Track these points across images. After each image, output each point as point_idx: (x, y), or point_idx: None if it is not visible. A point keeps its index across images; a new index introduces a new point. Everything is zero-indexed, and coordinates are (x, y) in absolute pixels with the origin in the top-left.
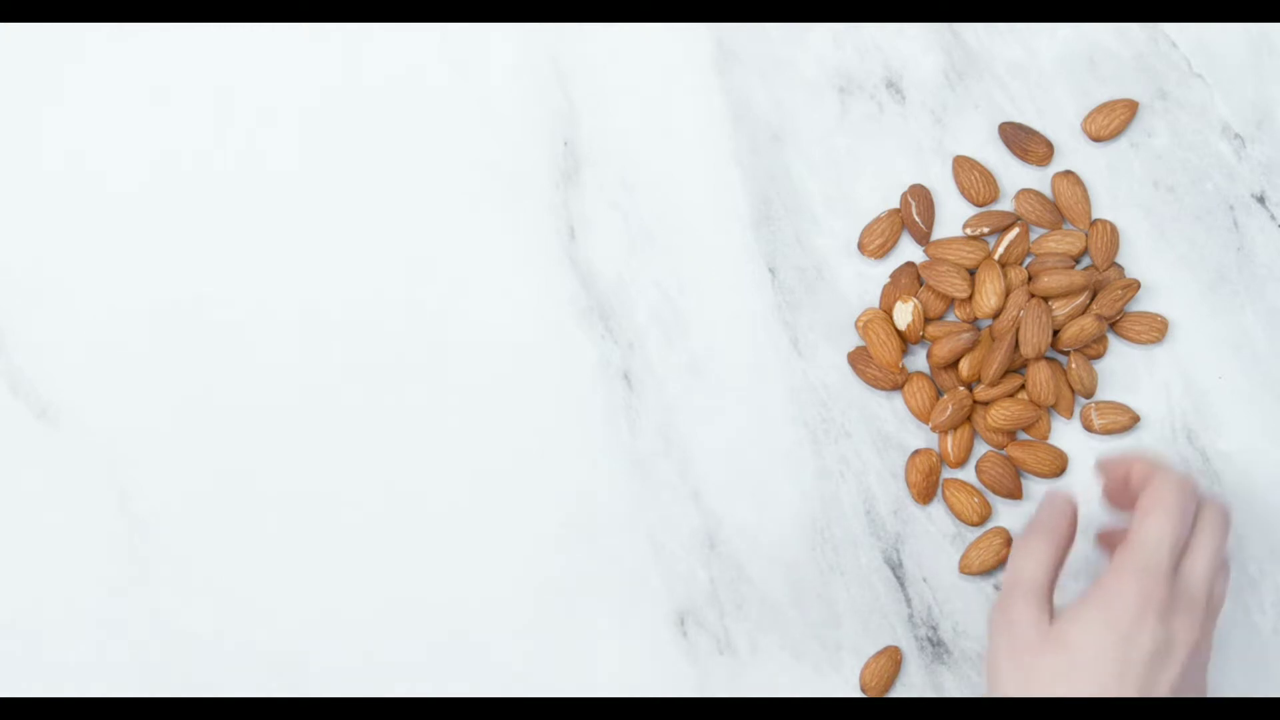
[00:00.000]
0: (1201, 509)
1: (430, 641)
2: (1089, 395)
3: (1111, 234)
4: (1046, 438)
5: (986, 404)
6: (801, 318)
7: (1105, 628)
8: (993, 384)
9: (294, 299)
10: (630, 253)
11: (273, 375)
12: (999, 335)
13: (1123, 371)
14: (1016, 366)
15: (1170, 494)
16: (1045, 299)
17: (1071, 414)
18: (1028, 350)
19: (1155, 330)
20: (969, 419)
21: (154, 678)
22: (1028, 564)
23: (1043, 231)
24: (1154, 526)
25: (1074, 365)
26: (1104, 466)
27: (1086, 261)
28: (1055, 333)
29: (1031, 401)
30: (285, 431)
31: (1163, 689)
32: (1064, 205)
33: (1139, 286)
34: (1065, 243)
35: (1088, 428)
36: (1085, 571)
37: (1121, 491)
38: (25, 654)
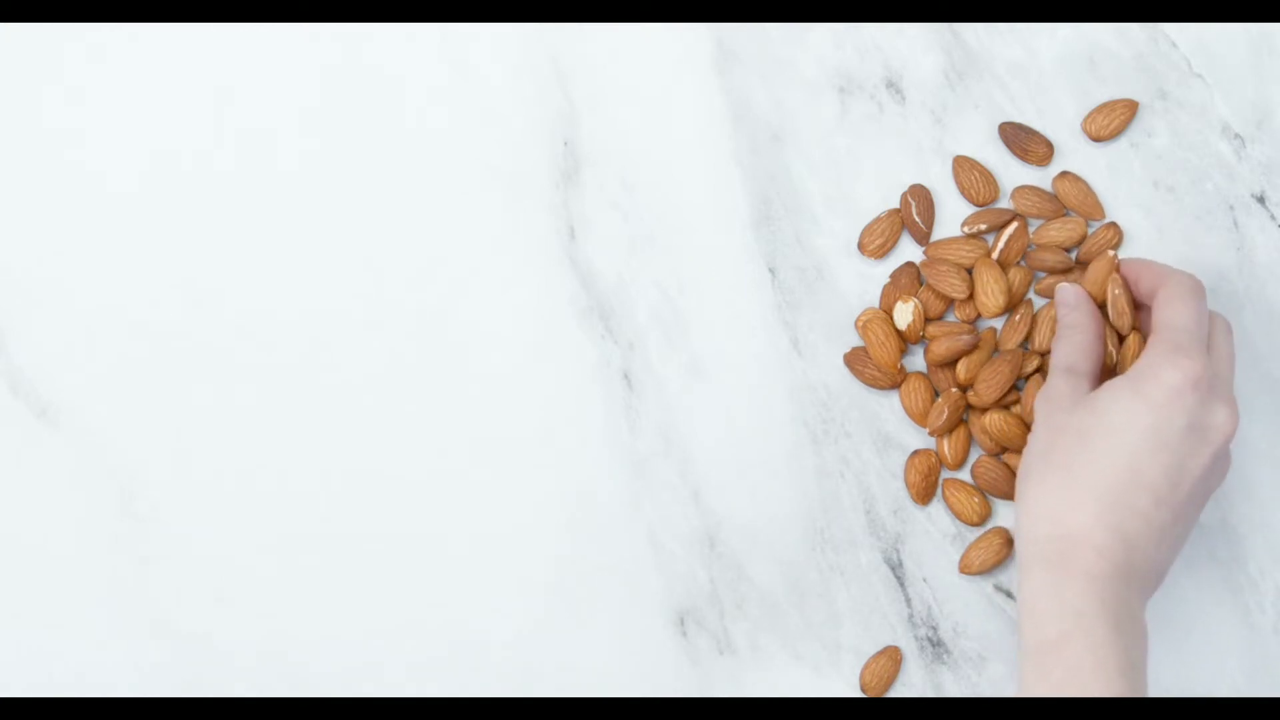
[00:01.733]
0: (1211, 316)
1: (430, 642)
2: None
3: (1114, 234)
4: None
5: (982, 410)
6: (801, 318)
7: (1137, 396)
8: (997, 400)
9: (294, 299)
10: (630, 253)
11: (273, 375)
12: (1005, 349)
13: None
14: (1015, 382)
15: (1186, 285)
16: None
17: None
18: (1039, 346)
19: None
20: (964, 420)
21: (154, 678)
22: (1062, 349)
23: (1042, 223)
24: (1179, 311)
25: None
26: (1145, 283)
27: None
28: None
29: (1023, 419)
30: (285, 431)
31: (1192, 474)
32: (1074, 205)
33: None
34: (1065, 230)
35: None
36: None
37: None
38: (25, 654)
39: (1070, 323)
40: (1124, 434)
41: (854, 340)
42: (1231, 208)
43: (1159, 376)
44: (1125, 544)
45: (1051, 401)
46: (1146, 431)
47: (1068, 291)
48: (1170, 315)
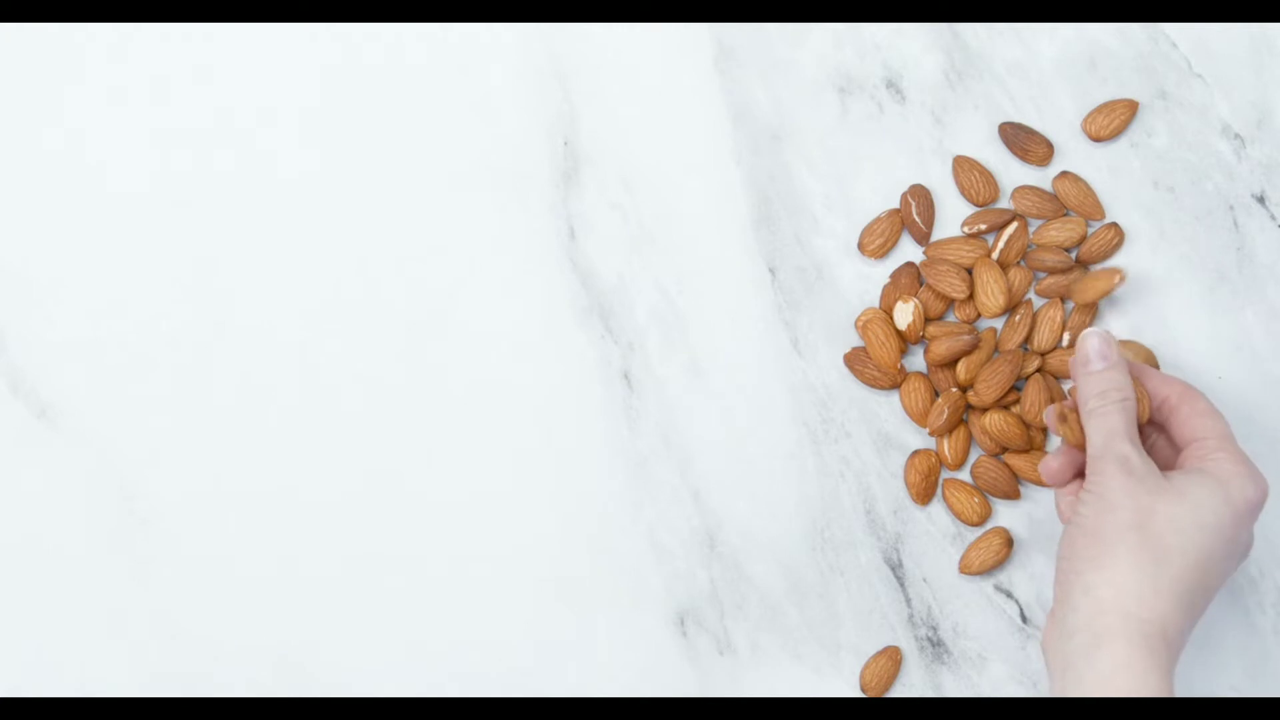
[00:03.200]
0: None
1: (430, 642)
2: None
3: (1114, 235)
4: (1042, 449)
5: (982, 410)
6: (801, 318)
7: (1226, 503)
8: (997, 400)
9: (294, 299)
10: (630, 253)
11: (273, 374)
12: (1005, 349)
13: None
14: (1015, 382)
15: (1207, 399)
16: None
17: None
18: (1039, 346)
19: None
20: (964, 420)
21: (154, 678)
22: (1118, 420)
23: (1042, 223)
24: (1223, 422)
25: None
26: (1150, 385)
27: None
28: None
29: (1023, 419)
30: (285, 431)
31: (1230, 576)
32: (1073, 205)
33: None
34: (1065, 230)
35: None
36: None
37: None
38: (25, 654)
39: (1118, 387)
40: (1210, 535)
41: (854, 340)
42: (1231, 208)
43: (1245, 490)
44: (1183, 636)
45: (1134, 475)
46: (1228, 541)
47: (1099, 345)
48: (1223, 425)
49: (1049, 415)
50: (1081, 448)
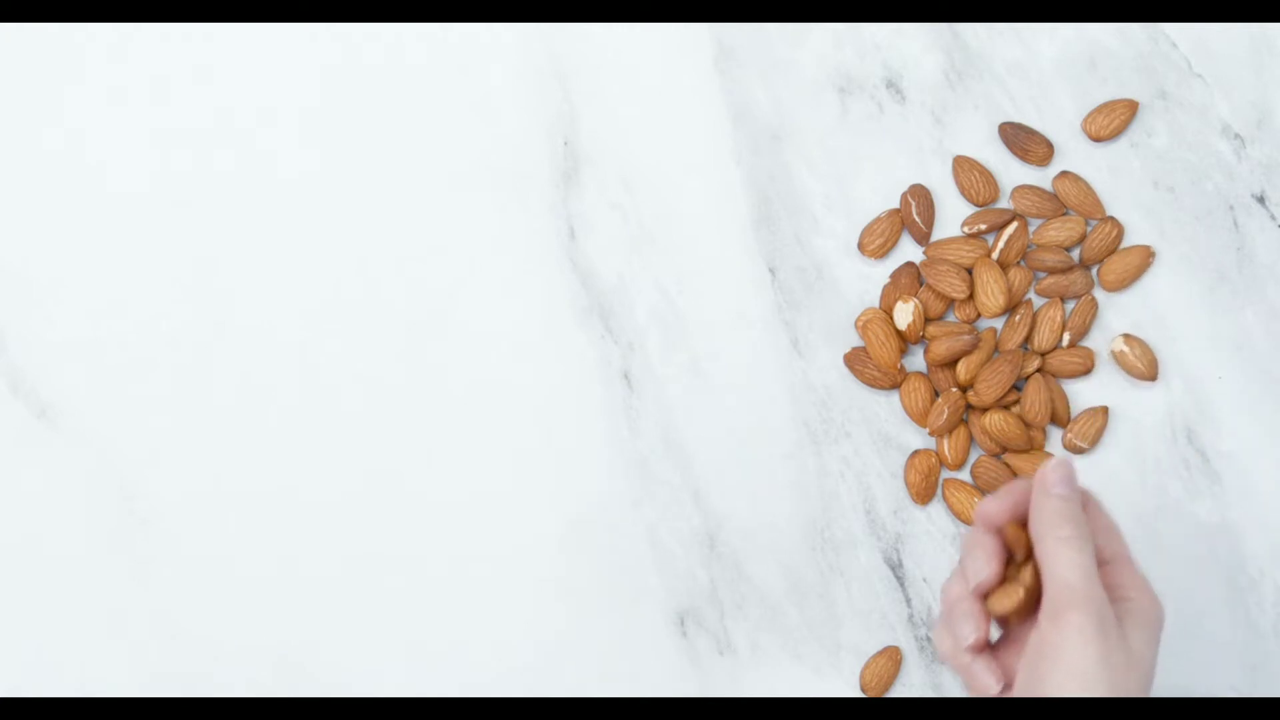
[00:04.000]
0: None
1: (430, 642)
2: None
3: (1114, 230)
4: (1042, 448)
5: (982, 409)
6: (801, 318)
7: (1155, 643)
8: (997, 400)
9: (294, 299)
10: (630, 253)
11: (273, 374)
12: (1005, 349)
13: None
14: (1015, 382)
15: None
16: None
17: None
18: (1039, 346)
19: (1084, 362)
20: (964, 420)
21: (154, 678)
22: (1087, 560)
23: (1042, 222)
24: (1124, 542)
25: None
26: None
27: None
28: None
29: (1022, 419)
30: (286, 431)
31: None
32: (1073, 204)
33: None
34: (1065, 230)
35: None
36: None
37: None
38: (25, 654)
39: (1080, 521)
40: (1149, 676)
41: (854, 340)
42: (1231, 208)
43: (1161, 620)
44: None
45: (1110, 643)
46: (1152, 672)
47: (1068, 473)
48: (1123, 541)
49: (983, 591)
50: (1017, 616)
